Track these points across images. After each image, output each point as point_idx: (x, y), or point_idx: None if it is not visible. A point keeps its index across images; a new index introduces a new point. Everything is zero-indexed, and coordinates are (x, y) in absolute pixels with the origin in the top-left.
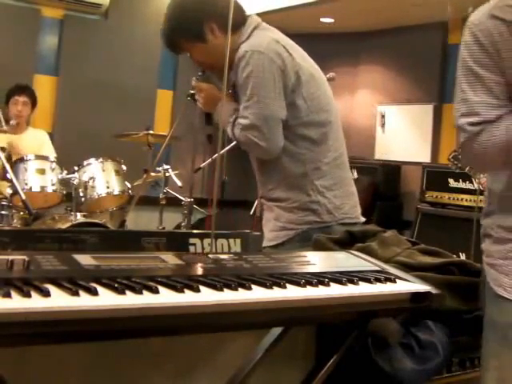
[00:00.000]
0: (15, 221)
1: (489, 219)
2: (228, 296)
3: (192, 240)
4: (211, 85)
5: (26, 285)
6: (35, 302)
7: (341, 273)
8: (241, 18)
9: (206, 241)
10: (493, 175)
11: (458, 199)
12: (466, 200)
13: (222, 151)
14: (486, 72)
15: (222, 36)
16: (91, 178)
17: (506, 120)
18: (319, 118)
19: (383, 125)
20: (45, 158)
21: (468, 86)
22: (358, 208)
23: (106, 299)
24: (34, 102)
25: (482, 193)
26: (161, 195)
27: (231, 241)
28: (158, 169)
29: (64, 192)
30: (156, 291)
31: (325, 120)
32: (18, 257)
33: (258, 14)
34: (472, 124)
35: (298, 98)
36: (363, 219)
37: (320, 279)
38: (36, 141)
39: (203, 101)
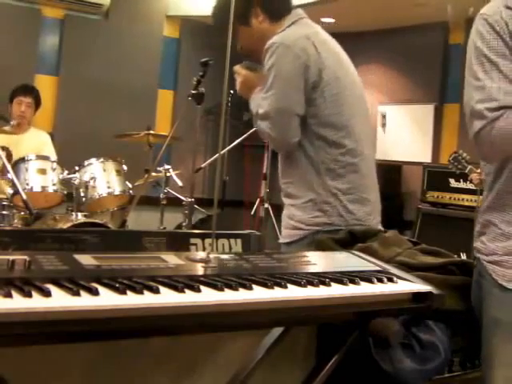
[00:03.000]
0: (16, 221)
1: (487, 216)
2: (229, 296)
3: (193, 240)
4: (251, 72)
5: (27, 285)
6: (36, 302)
7: (342, 273)
8: (285, 9)
9: (207, 241)
10: (494, 173)
11: (458, 199)
12: (467, 200)
13: (223, 151)
14: (503, 59)
15: (266, 23)
16: (92, 178)
17: None
18: (337, 120)
19: (384, 125)
20: (46, 158)
21: (484, 74)
22: (375, 217)
23: (106, 299)
24: (37, 104)
25: (482, 193)
26: (162, 195)
27: (232, 241)
28: (158, 169)
29: (65, 192)
30: (157, 291)
31: (344, 123)
32: (19, 257)
33: None
34: (490, 109)
35: (318, 95)
36: (382, 229)
37: (321, 279)
38: (37, 141)
39: (240, 86)
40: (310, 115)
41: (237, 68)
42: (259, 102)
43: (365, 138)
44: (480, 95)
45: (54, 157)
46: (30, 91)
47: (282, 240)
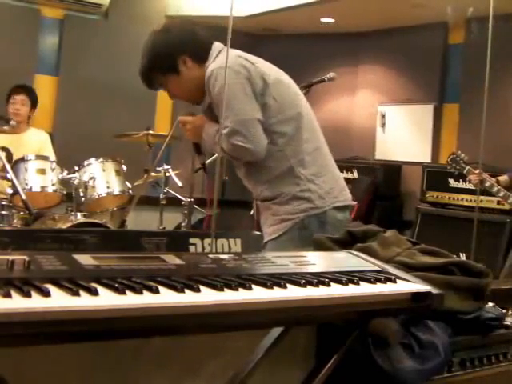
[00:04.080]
0: (15, 221)
1: None
2: (228, 296)
3: (192, 240)
4: (194, 116)
5: (27, 285)
6: (35, 302)
7: (341, 273)
8: (208, 49)
9: (207, 241)
10: None
11: (458, 199)
12: (467, 200)
13: None
14: None
15: (195, 67)
16: (91, 178)
17: None
18: (291, 113)
19: (383, 125)
20: (45, 158)
21: None
22: (347, 191)
23: (106, 299)
24: (33, 102)
25: (482, 193)
26: (161, 195)
27: (231, 241)
28: (158, 169)
29: (64, 192)
30: (156, 291)
31: (296, 114)
32: (19, 257)
33: (259, 15)
34: None
35: (269, 98)
36: (354, 202)
37: (320, 279)
38: (37, 141)
39: (189, 133)
40: (267, 117)
41: (181, 118)
42: (214, 132)
43: (313, 123)
44: None
45: (52, 157)
46: (22, 88)
47: (268, 237)
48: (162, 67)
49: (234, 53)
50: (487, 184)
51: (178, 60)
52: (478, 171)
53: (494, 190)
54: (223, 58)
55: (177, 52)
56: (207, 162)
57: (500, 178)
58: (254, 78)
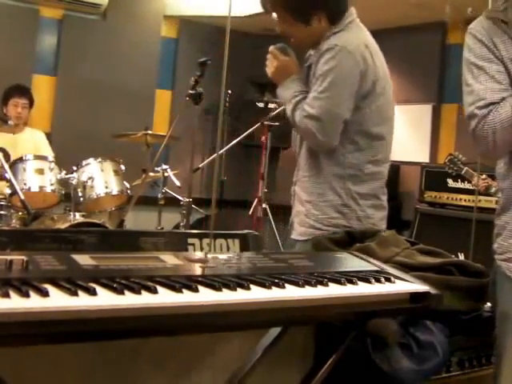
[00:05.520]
0: (14, 221)
1: (502, 218)
2: (227, 296)
3: (191, 240)
4: (288, 58)
5: (25, 285)
6: (34, 302)
7: (340, 273)
8: (344, 12)
9: (205, 241)
10: (501, 175)
11: (456, 199)
12: (465, 200)
13: (222, 151)
14: (488, 63)
15: (326, 26)
16: (90, 178)
17: (510, 99)
18: (376, 131)
19: None
20: (44, 157)
21: (473, 80)
22: (385, 221)
23: (104, 299)
24: (32, 104)
25: (480, 193)
26: (159, 195)
27: (230, 241)
28: (156, 169)
29: (63, 192)
30: (155, 291)
31: (380, 134)
32: (17, 257)
33: (258, 14)
34: (480, 107)
35: (367, 106)
36: (380, 229)
37: (319, 279)
38: (34, 141)
39: (273, 70)
40: (352, 122)
41: (273, 50)
42: (295, 93)
43: (390, 147)
44: (471, 98)
45: (50, 154)
46: (26, 92)
47: (297, 237)
48: (294, 12)
49: (364, 39)
50: (493, 190)
51: (315, 13)
52: (483, 176)
53: (493, 190)
54: (351, 37)
55: (316, 6)
56: (201, 165)
57: None
58: (368, 77)
